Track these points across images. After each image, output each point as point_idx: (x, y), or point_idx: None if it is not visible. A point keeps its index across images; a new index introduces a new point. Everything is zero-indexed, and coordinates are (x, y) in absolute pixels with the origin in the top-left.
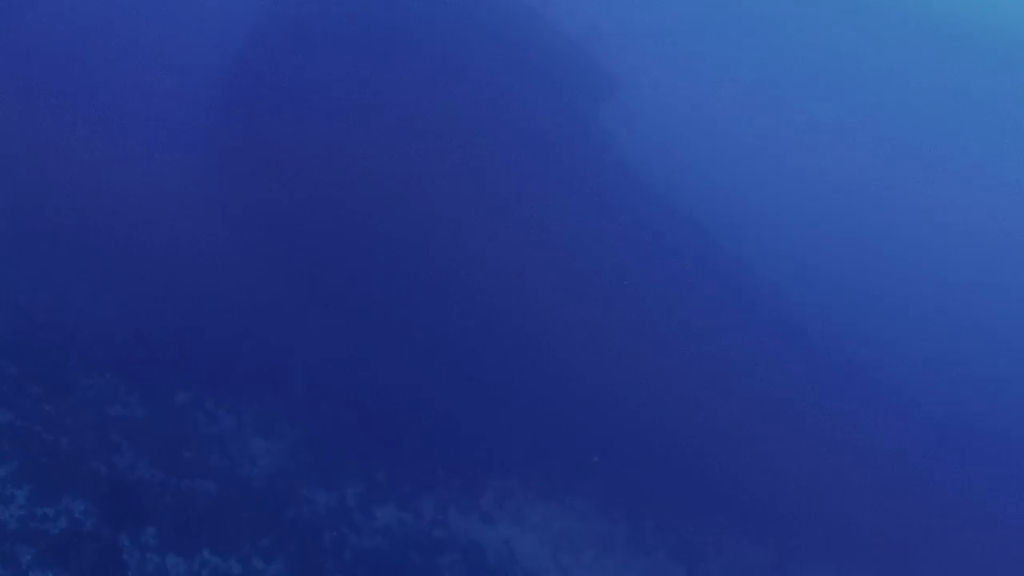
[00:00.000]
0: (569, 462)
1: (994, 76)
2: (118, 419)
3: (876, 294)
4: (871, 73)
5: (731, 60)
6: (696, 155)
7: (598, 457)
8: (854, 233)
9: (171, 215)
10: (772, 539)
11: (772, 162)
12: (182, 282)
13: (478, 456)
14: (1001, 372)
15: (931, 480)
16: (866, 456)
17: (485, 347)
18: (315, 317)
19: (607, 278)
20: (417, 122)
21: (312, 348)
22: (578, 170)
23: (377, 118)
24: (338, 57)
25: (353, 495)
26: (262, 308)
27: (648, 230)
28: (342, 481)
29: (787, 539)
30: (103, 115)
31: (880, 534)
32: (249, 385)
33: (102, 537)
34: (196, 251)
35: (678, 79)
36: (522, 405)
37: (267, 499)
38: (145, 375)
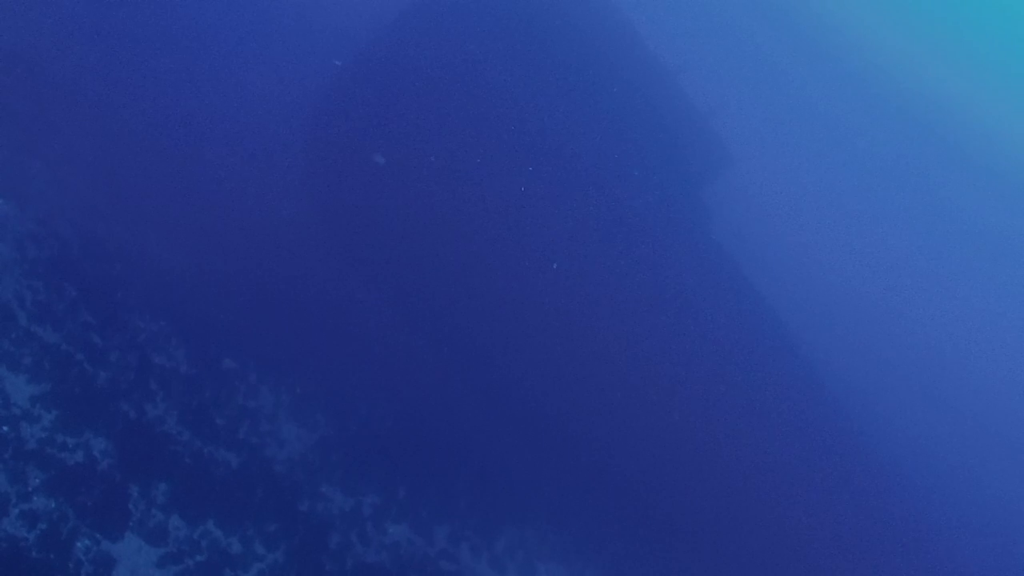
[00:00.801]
0: (588, 528)
1: None
2: (160, 369)
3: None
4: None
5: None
6: (795, 251)
7: None
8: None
9: (263, 196)
10: None
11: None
12: (257, 258)
13: (502, 499)
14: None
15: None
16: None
17: (538, 401)
18: (380, 324)
19: (678, 355)
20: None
21: (367, 351)
22: (671, 244)
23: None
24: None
25: (370, 504)
26: (328, 300)
27: (727, 317)
28: (362, 488)
29: None
30: (212, 96)
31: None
32: (296, 369)
33: (113, 480)
34: (280, 235)
35: (792, 165)
36: (559, 461)
37: (284, 486)
38: (199, 333)
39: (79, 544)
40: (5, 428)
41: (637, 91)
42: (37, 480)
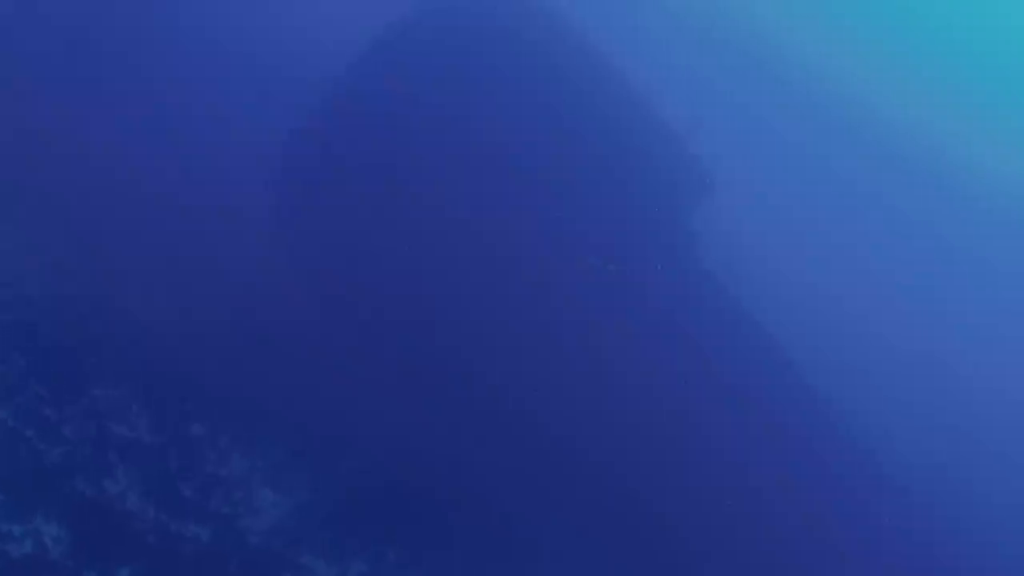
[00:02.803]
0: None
1: None
2: (121, 439)
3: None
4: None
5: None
6: (782, 273)
7: None
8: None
9: (235, 249)
10: None
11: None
12: (232, 311)
13: (504, 552)
14: None
15: None
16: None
17: (537, 439)
18: (364, 369)
19: (674, 386)
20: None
21: (348, 403)
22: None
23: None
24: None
25: (356, 572)
26: (308, 352)
27: (721, 350)
28: (348, 554)
29: None
30: (186, 145)
31: None
32: (270, 429)
33: (66, 569)
34: (255, 284)
35: (776, 187)
36: (563, 504)
37: (261, 559)
38: (164, 398)
39: None
40: None
41: (614, 120)
42: None
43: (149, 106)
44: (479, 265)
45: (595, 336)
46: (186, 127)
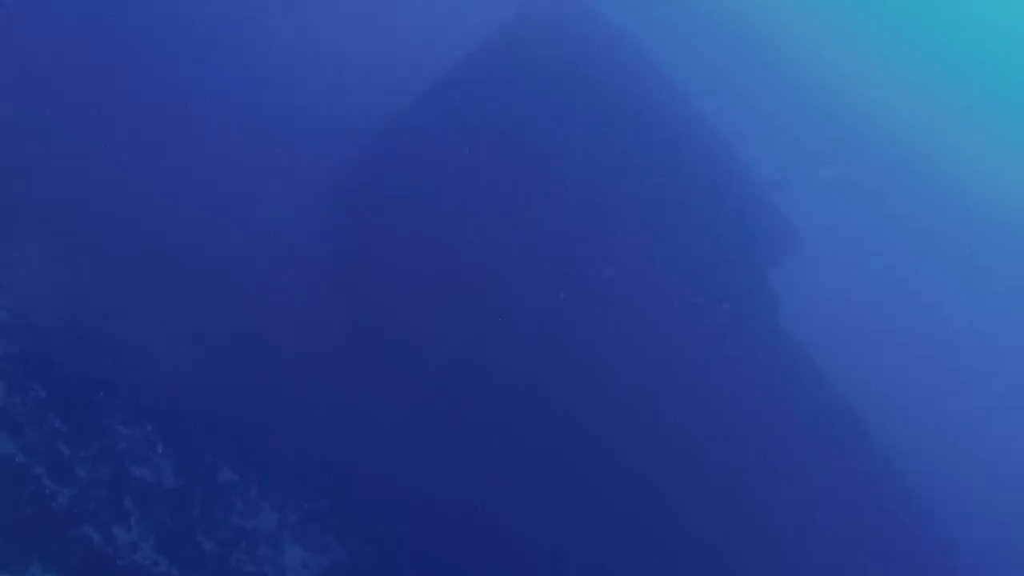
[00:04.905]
0: None
1: None
2: (140, 483)
3: None
4: None
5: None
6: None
7: None
8: None
9: (277, 280)
10: None
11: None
12: (269, 352)
13: None
14: None
15: None
16: None
17: (592, 502)
18: (406, 425)
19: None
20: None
21: (389, 459)
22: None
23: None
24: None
25: None
26: (347, 401)
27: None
28: None
29: None
30: (222, 177)
31: None
32: (306, 481)
33: None
34: (293, 329)
35: (866, 246)
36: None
37: None
38: (192, 440)
39: None
40: None
41: (699, 171)
42: None
43: (167, 136)
44: (546, 336)
45: (647, 372)
46: (208, 160)
